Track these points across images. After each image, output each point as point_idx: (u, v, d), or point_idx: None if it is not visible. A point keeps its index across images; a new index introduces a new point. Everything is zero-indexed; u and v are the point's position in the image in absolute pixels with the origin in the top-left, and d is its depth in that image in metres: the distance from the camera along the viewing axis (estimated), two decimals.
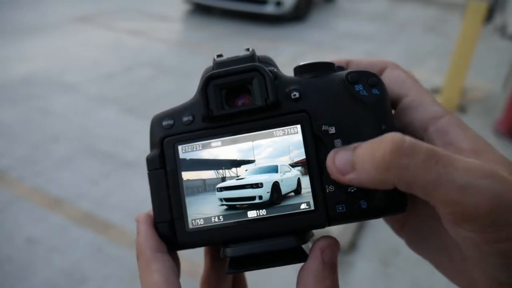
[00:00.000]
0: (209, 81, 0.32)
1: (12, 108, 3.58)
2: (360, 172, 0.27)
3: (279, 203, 0.31)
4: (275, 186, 0.32)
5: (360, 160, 0.27)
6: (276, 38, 6.07)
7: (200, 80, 0.33)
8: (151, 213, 0.34)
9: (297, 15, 6.98)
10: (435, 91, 4.39)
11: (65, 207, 2.46)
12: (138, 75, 4.41)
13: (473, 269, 0.30)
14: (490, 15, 4.12)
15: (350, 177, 0.28)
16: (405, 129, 0.32)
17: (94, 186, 2.67)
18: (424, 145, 0.26)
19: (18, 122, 3.37)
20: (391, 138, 0.26)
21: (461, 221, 0.25)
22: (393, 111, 0.34)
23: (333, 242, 0.30)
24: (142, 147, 3.06)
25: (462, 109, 4.10)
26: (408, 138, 0.26)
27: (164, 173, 0.33)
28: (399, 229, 0.37)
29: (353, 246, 2.27)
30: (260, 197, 0.32)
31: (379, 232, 2.37)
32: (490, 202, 0.24)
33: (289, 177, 0.32)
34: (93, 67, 4.57)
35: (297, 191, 0.32)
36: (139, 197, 2.48)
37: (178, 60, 4.92)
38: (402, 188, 0.26)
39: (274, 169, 0.32)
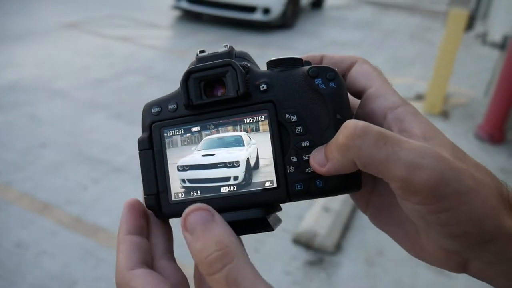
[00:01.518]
0: (189, 75, 0.38)
1: (0, 114, 3.59)
2: (331, 160, 0.32)
3: (250, 183, 0.36)
4: (247, 163, 0.36)
5: (329, 150, 0.32)
6: (264, 44, 6.15)
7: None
8: (141, 198, 0.39)
9: (285, 23, 7.08)
10: (419, 97, 4.49)
11: (54, 211, 2.48)
12: (127, 82, 4.43)
13: (424, 240, 0.34)
14: (471, 22, 4.24)
15: (327, 167, 0.33)
16: (368, 116, 0.36)
17: (83, 191, 2.69)
18: (375, 128, 0.30)
19: (7, 128, 3.38)
20: (347, 124, 0.31)
21: (408, 194, 0.29)
22: (358, 101, 0.38)
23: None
24: (131, 152, 3.09)
25: (445, 114, 4.20)
26: (360, 123, 0.30)
27: (152, 153, 0.39)
28: (364, 207, 0.41)
29: (338, 247, 2.32)
30: (236, 178, 0.36)
31: (364, 233, 2.43)
32: (431, 178, 0.28)
33: (253, 149, 0.36)
34: (82, 74, 4.59)
35: (256, 165, 0.36)
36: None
37: (167, 66, 4.96)
38: (361, 168, 0.30)
39: (239, 141, 0.37)
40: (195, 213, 0.30)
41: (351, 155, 0.30)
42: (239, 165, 0.36)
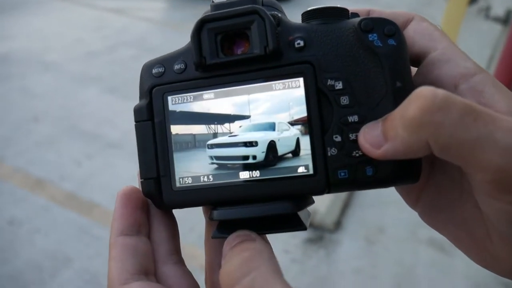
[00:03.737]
0: (202, 25, 0.29)
1: None
2: (393, 139, 0.24)
3: (274, 165, 0.29)
4: (271, 145, 0.29)
5: (390, 126, 0.24)
6: None
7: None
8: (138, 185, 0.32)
9: None
10: None
11: (47, 188, 2.42)
12: (121, 55, 4.31)
13: (499, 246, 0.27)
14: None
15: (384, 149, 0.25)
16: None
17: (77, 166, 2.63)
18: (460, 99, 0.22)
19: None
20: (421, 93, 0.23)
21: (502, 190, 0.22)
22: (416, 69, 0.31)
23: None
24: (126, 127, 3.01)
25: None
26: (441, 92, 0.22)
27: (152, 125, 0.31)
28: (413, 201, 0.33)
29: (338, 224, 2.29)
30: (254, 157, 0.29)
31: (364, 211, 2.39)
32: None
33: (287, 136, 0.29)
34: (75, 46, 4.45)
35: (295, 152, 0.29)
36: (124, 177, 2.45)
37: (161, 39, 4.82)
38: (437, 152, 0.23)
39: (271, 127, 0.30)
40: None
41: (426, 134, 0.22)
42: (256, 145, 0.29)
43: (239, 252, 0.24)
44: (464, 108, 0.22)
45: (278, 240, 2.15)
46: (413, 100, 0.23)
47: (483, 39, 5.52)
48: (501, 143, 0.21)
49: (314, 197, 0.31)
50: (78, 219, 2.22)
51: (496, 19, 4.71)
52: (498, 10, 5.27)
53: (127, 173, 2.50)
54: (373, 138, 0.25)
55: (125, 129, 2.99)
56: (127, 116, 3.13)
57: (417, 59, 0.30)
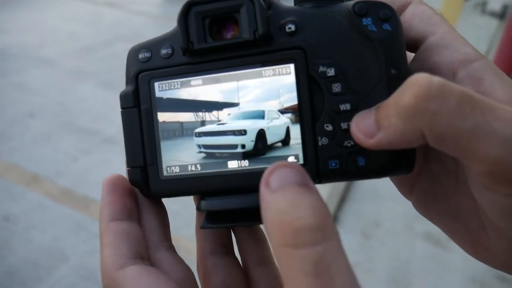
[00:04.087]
0: (189, 8, 0.29)
1: None
2: (387, 128, 0.23)
3: (263, 154, 0.29)
4: (260, 134, 0.29)
5: (384, 115, 0.23)
6: None
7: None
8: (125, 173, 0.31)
9: None
10: None
11: (43, 183, 2.41)
12: (117, 49, 4.28)
13: (494, 239, 0.26)
14: None
15: (377, 138, 0.24)
16: (430, 73, 0.26)
17: (73, 162, 2.61)
18: (457, 87, 0.21)
19: None
20: (416, 80, 0.22)
21: (499, 182, 0.21)
22: (413, 55, 0.30)
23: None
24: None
25: None
26: (436, 79, 0.21)
27: (138, 112, 0.31)
28: (407, 191, 0.32)
29: (335, 218, 2.29)
30: (243, 146, 0.29)
31: (361, 204, 2.39)
32: None
33: (276, 125, 0.29)
34: (70, 41, 4.42)
35: (285, 141, 0.28)
36: (120, 172, 2.44)
37: (157, 34, 4.78)
38: (432, 142, 0.22)
39: (260, 115, 0.29)
40: (289, 169, 0.21)
41: (420, 123, 0.21)
42: (245, 134, 0.29)
43: (304, 204, 0.19)
44: (461, 96, 0.21)
45: None
46: (407, 88, 0.22)
47: (479, 34, 5.52)
48: (500, 133, 0.20)
49: None
50: (74, 215, 2.21)
51: (493, 14, 4.72)
52: (495, 5, 5.28)
53: (124, 168, 2.49)
54: (366, 127, 0.25)
55: (120, 125, 2.97)
56: None
57: (415, 44, 0.29)
